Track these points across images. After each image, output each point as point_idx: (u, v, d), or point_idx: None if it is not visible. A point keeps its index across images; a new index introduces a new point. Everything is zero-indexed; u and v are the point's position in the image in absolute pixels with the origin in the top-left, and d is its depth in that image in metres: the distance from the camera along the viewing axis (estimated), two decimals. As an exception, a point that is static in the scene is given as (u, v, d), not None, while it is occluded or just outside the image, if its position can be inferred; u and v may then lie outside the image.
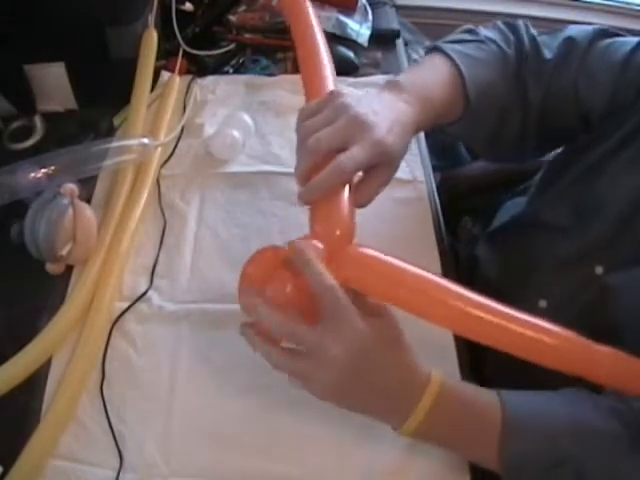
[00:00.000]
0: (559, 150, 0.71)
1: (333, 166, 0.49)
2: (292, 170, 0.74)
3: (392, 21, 1.01)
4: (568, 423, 0.48)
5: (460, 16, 1.45)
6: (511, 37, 0.68)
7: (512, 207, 0.77)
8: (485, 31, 0.69)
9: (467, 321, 0.48)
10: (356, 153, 0.50)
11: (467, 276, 0.73)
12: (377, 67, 0.91)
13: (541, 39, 0.67)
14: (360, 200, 0.53)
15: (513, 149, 0.70)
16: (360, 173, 0.53)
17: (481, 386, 0.51)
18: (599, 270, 0.58)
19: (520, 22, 0.69)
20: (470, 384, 0.51)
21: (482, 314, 0.48)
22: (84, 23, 0.74)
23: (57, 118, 0.79)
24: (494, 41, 0.67)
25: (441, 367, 0.50)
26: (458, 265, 0.74)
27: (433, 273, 0.50)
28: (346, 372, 0.46)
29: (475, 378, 0.60)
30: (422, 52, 1.07)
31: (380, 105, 0.54)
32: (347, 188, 0.52)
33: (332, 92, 0.54)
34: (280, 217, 0.71)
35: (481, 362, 0.63)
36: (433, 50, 0.66)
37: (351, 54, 0.90)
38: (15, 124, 0.77)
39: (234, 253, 0.67)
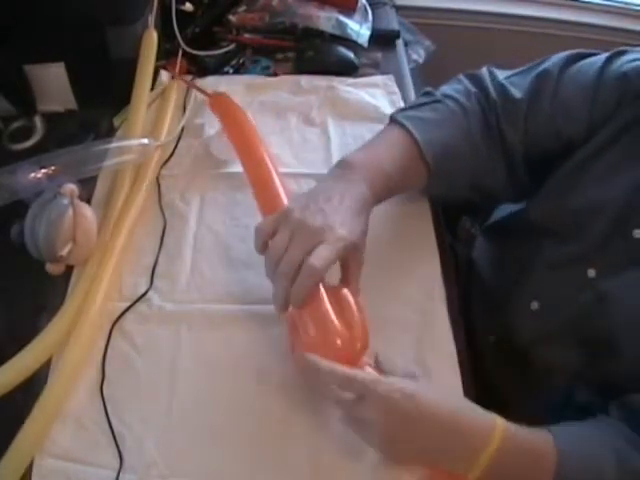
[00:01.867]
0: None
1: (304, 271, 0.51)
2: (292, 170, 0.75)
3: (392, 21, 1.01)
4: (613, 462, 0.49)
5: (460, 16, 1.45)
6: (472, 89, 0.67)
7: (507, 206, 0.77)
8: (445, 89, 0.69)
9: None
10: (322, 252, 0.52)
11: (465, 276, 0.74)
12: (377, 67, 0.91)
13: (510, 80, 0.66)
14: (353, 291, 0.55)
15: (507, 195, 0.69)
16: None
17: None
18: (592, 273, 0.58)
19: (484, 70, 0.69)
20: (524, 427, 0.50)
21: None
22: (84, 23, 0.74)
23: (57, 118, 0.79)
24: (451, 97, 0.67)
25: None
26: (457, 266, 0.74)
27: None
28: (391, 433, 0.48)
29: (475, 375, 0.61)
30: (422, 52, 1.07)
31: (329, 201, 0.56)
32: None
33: (283, 211, 0.56)
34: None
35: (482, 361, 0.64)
36: (390, 121, 0.67)
37: (351, 54, 0.90)
38: (15, 124, 0.77)
39: (234, 253, 0.67)
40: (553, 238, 0.63)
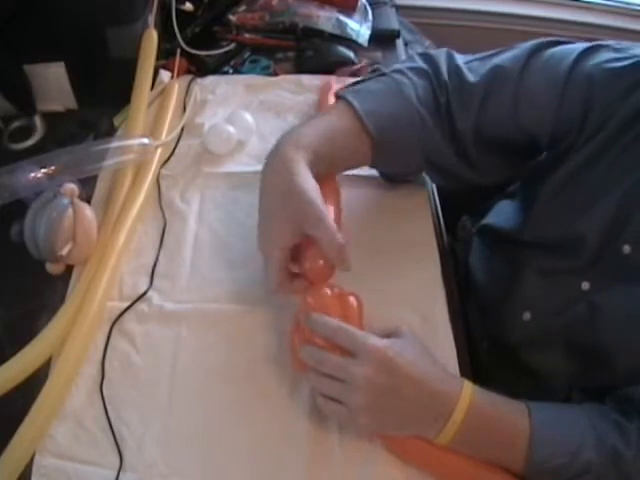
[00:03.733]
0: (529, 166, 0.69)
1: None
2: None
3: (392, 21, 1.01)
4: (591, 437, 0.50)
5: (460, 16, 1.45)
6: (424, 66, 0.65)
7: (502, 208, 0.76)
8: (395, 65, 0.67)
9: None
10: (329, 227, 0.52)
11: (463, 279, 0.73)
12: (377, 67, 0.91)
13: (469, 65, 0.63)
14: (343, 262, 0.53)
15: (468, 175, 0.66)
16: None
17: None
18: (586, 286, 0.57)
19: (441, 51, 0.66)
20: (498, 395, 0.52)
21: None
22: (84, 23, 0.74)
23: (57, 118, 0.79)
24: (399, 71, 0.65)
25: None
26: (457, 267, 0.74)
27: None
28: (377, 390, 0.49)
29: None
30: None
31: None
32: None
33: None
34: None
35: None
36: (342, 99, 0.64)
37: (351, 54, 0.90)
38: (15, 124, 0.77)
39: (234, 253, 0.67)
40: (545, 253, 0.62)
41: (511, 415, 0.51)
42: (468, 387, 0.51)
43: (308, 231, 0.53)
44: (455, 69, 0.63)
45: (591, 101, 0.56)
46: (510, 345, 0.63)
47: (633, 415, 0.51)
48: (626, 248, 0.54)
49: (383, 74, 0.65)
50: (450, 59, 0.65)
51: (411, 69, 0.65)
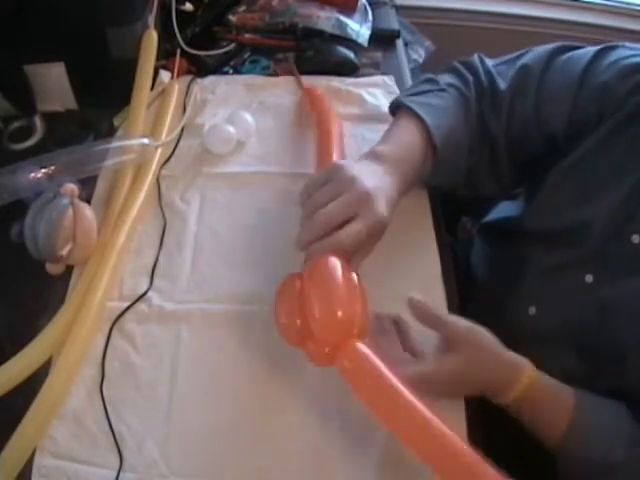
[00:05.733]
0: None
1: (332, 240, 0.53)
2: (292, 170, 0.75)
3: (392, 21, 1.01)
4: (624, 442, 0.50)
5: (460, 16, 1.45)
6: (469, 77, 0.68)
7: (504, 206, 0.76)
8: (446, 78, 0.70)
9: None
10: (357, 231, 0.53)
11: (464, 279, 0.73)
12: (377, 67, 0.91)
13: (497, 70, 0.67)
14: (354, 268, 0.55)
15: (490, 186, 0.70)
16: None
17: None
18: (589, 279, 0.58)
19: (475, 57, 0.70)
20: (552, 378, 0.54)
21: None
22: (84, 23, 0.74)
23: (57, 118, 0.79)
24: (453, 85, 0.68)
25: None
26: (457, 267, 0.74)
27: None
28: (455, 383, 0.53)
29: None
30: (422, 52, 1.07)
31: (375, 178, 0.57)
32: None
33: (335, 164, 0.58)
34: (280, 217, 0.71)
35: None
36: (398, 106, 0.67)
37: (351, 54, 0.90)
38: (15, 124, 0.77)
39: (234, 253, 0.67)
40: (549, 244, 0.62)
41: (562, 395, 0.53)
42: (529, 369, 0.53)
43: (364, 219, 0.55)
44: (489, 74, 0.67)
45: (606, 93, 0.58)
46: (514, 343, 0.63)
47: None
48: (635, 238, 0.54)
49: (442, 89, 0.68)
50: (483, 64, 0.69)
51: (461, 82, 0.68)
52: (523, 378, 0.52)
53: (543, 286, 0.62)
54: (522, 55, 0.67)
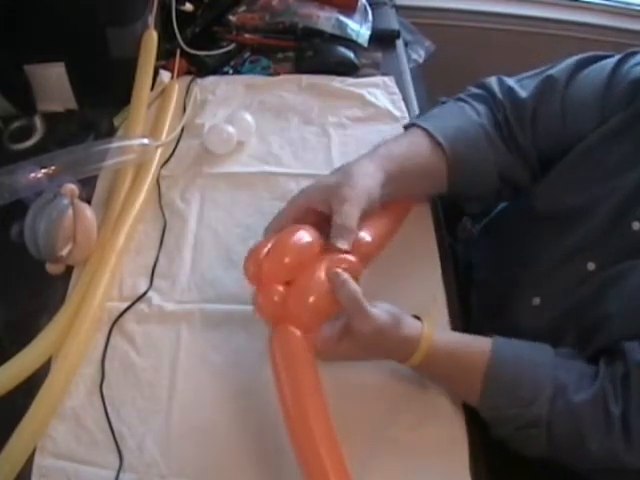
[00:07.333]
0: None
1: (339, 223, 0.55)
2: (292, 170, 0.76)
3: (392, 21, 1.01)
4: (548, 389, 0.52)
5: (460, 16, 1.45)
6: (478, 92, 0.70)
7: (504, 207, 0.77)
8: (460, 97, 0.71)
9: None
10: (348, 210, 0.55)
11: (465, 278, 0.73)
12: (377, 67, 0.91)
13: (521, 83, 0.68)
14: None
15: (525, 178, 0.69)
16: None
17: None
18: (591, 266, 0.59)
19: (492, 78, 0.71)
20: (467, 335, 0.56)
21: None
22: (84, 23, 0.74)
23: (57, 118, 0.79)
24: (459, 98, 0.70)
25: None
26: (457, 267, 0.74)
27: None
28: (366, 343, 0.53)
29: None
30: (422, 52, 1.07)
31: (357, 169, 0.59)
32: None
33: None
34: (280, 217, 0.71)
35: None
36: (410, 126, 0.69)
37: (351, 54, 0.90)
38: (15, 124, 0.77)
39: (234, 253, 0.67)
40: (554, 229, 0.63)
41: (473, 352, 0.54)
42: (427, 336, 0.53)
43: (332, 204, 0.56)
44: (507, 90, 0.68)
45: (633, 89, 0.59)
46: (519, 334, 0.63)
47: (617, 365, 0.52)
48: (635, 224, 0.56)
49: (444, 102, 0.70)
50: (501, 83, 0.69)
51: (468, 95, 0.70)
52: (422, 346, 0.53)
53: (547, 275, 0.63)
54: (548, 68, 0.68)
